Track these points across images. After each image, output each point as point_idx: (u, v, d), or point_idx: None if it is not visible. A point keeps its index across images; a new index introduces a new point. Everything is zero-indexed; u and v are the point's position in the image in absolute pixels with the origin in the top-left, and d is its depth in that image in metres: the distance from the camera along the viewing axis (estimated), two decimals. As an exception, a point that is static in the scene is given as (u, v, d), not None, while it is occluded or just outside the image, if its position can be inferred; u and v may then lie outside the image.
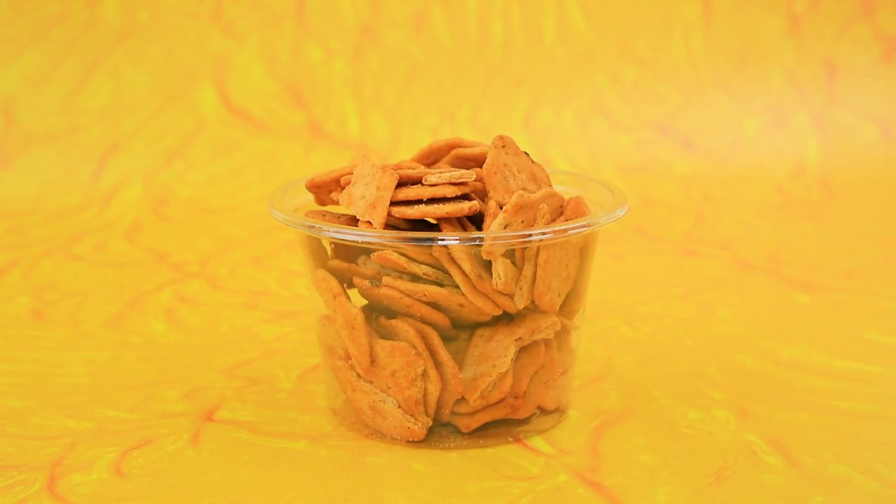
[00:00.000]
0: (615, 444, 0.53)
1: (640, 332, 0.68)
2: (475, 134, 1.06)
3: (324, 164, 1.02)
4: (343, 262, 0.53)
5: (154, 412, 0.57)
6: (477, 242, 0.49)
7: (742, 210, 0.98)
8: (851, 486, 0.49)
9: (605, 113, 1.09)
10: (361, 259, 0.53)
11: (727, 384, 0.60)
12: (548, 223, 0.51)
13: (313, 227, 0.51)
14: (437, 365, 0.52)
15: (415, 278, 0.51)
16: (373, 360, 0.52)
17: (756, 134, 1.09)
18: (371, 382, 0.52)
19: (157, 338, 0.68)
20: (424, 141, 1.05)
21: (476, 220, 0.52)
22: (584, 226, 0.51)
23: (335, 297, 0.52)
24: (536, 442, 0.53)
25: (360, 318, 0.51)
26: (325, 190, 0.55)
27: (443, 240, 0.49)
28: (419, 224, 0.52)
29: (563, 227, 0.50)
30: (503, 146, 0.53)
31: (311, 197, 0.57)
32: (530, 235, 0.49)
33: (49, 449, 0.53)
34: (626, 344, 0.66)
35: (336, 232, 0.50)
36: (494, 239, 0.49)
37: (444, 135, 1.06)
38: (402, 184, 0.51)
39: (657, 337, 0.68)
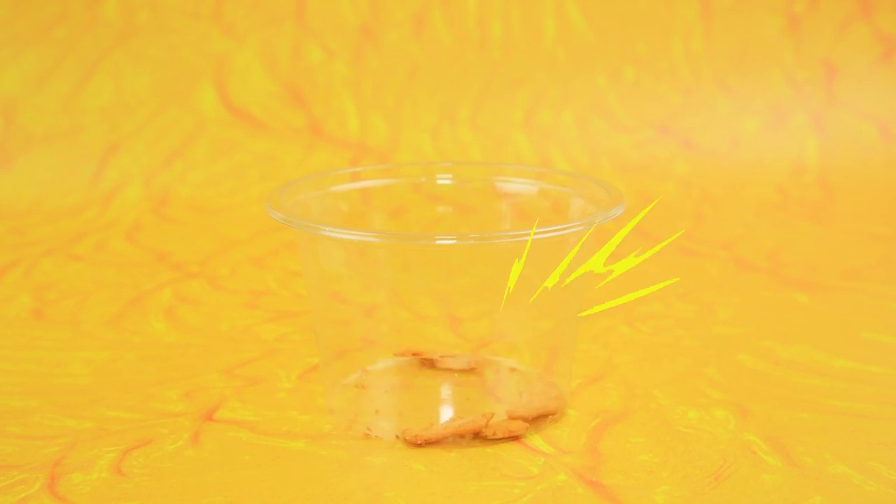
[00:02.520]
0: (615, 443, 0.53)
1: (639, 332, 0.68)
2: (475, 134, 1.07)
3: (324, 165, 1.03)
4: None
5: (154, 412, 0.57)
6: (472, 242, 0.49)
7: (741, 210, 0.98)
8: (850, 485, 0.50)
9: (605, 113, 1.10)
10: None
11: (726, 384, 0.60)
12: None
13: (311, 226, 0.51)
14: None
15: None
16: None
17: (755, 134, 1.09)
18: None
19: (157, 338, 0.68)
20: (424, 141, 1.06)
21: None
22: (581, 225, 0.51)
23: None
24: (536, 441, 0.53)
25: None
26: None
27: (441, 240, 0.49)
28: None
29: (563, 227, 0.50)
30: None
31: (308, 196, 0.57)
32: (530, 234, 0.50)
33: (49, 448, 0.53)
34: (625, 344, 0.66)
35: (333, 231, 0.50)
36: (491, 238, 0.49)
37: (445, 135, 1.06)
38: None
39: (657, 337, 0.68)
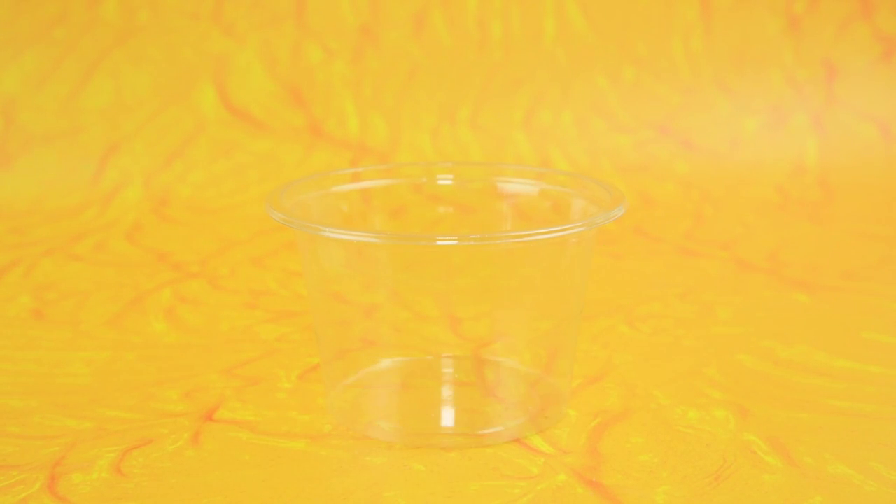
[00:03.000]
0: (615, 443, 0.53)
1: (639, 332, 0.68)
2: (475, 134, 1.07)
3: (324, 165, 1.03)
4: None
5: (154, 412, 0.57)
6: (473, 243, 0.49)
7: (741, 210, 0.98)
8: (850, 485, 0.50)
9: (605, 113, 1.10)
10: None
11: (727, 384, 0.60)
12: None
13: (311, 226, 0.51)
14: None
15: None
16: None
17: (755, 134, 1.09)
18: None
19: (157, 338, 0.68)
20: (424, 141, 1.06)
21: None
22: (582, 225, 0.51)
23: None
24: (536, 441, 0.53)
25: None
26: None
27: (442, 240, 0.49)
28: None
29: (563, 227, 0.50)
30: None
31: (309, 196, 0.57)
32: (529, 235, 0.50)
33: (49, 448, 0.53)
34: (625, 344, 0.66)
35: (333, 232, 0.50)
36: (491, 239, 0.49)
37: (445, 135, 1.06)
38: None
39: (657, 337, 0.68)
